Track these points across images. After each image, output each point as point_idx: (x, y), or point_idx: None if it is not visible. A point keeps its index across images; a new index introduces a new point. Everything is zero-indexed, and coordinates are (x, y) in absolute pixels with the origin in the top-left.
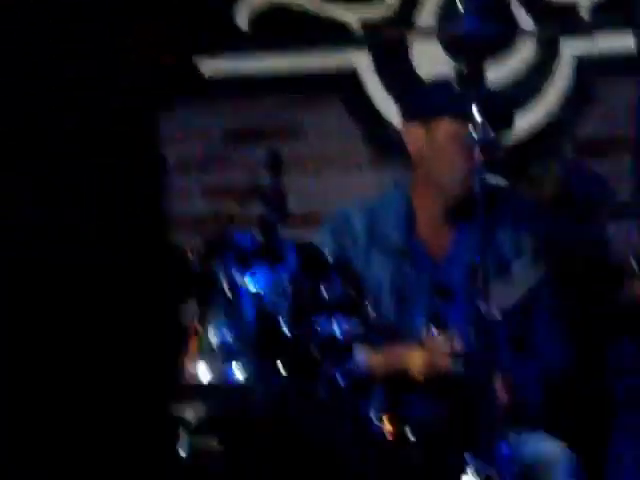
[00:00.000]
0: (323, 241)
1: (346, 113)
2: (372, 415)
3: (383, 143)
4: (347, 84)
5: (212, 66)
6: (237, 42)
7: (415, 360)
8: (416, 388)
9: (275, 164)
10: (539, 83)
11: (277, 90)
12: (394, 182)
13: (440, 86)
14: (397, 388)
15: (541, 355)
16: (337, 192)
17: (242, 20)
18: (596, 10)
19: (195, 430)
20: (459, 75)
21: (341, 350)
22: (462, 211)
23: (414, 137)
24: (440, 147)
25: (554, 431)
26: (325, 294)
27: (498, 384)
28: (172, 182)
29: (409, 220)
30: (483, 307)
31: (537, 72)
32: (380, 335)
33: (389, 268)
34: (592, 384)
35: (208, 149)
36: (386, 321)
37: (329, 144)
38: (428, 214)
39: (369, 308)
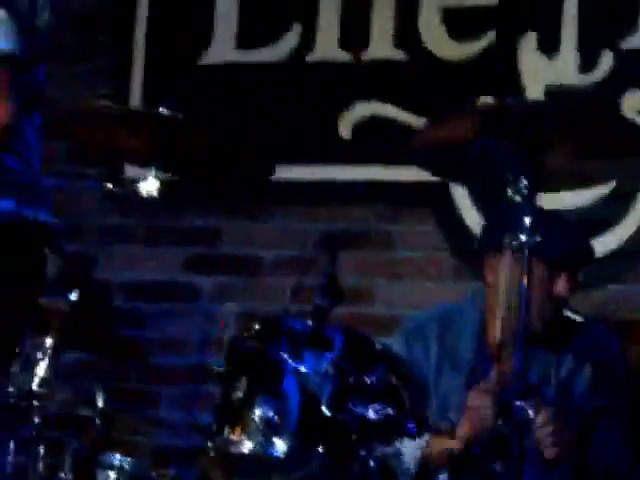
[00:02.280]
0: (397, 344)
1: (435, 224)
2: None
3: (467, 256)
4: (438, 196)
5: (307, 172)
6: (336, 151)
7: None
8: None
9: (331, 257)
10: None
11: (369, 199)
12: (470, 293)
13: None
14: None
15: (603, 458)
16: (418, 299)
17: (344, 130)
18: None
19: None
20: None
21: (376, 435)
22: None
23: (490, 267)
24: (502, 280)
25: None
26: (367, 380)
27: None
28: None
29: (480, 336)
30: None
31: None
32: (416, 425)
33: (457, 382)
34: None
35: (303, 252)
36: (423, 412)
37: (415, 253)
38: (498, 331)
39: (407, 398)
